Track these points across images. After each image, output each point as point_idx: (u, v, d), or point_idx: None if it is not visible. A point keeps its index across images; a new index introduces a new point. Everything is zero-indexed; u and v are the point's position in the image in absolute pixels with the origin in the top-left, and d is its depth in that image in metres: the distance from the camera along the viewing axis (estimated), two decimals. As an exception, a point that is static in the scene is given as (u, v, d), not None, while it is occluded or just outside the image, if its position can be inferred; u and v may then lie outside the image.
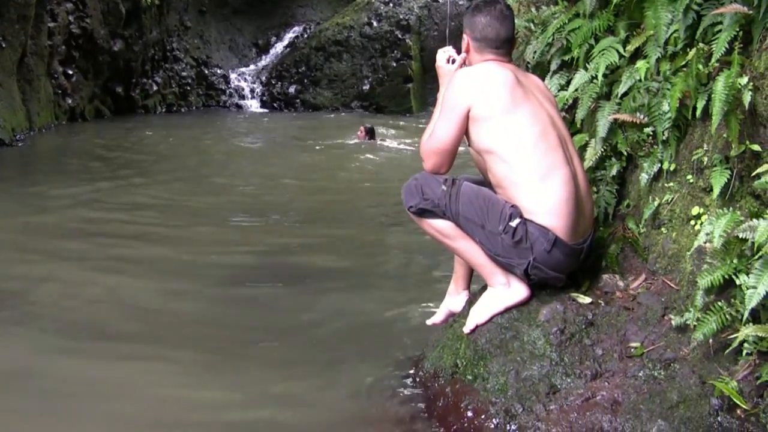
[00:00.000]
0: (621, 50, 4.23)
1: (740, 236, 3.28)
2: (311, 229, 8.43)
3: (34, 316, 5.42)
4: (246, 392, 4.41)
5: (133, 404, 4.22)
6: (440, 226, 3.99)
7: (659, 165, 3.97)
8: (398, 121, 18.95)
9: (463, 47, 4.15)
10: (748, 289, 3.18)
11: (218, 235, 7.81)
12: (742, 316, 3.22)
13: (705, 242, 3.47)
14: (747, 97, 3.36)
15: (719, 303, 3.35)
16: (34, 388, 4.35)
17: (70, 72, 16.73)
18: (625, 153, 4.22)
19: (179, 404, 4.25)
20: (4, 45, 13.59)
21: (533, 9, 5.12)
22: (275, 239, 7.83)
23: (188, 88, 21.02)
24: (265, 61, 23.24)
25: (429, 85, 20.75)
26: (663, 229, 3.91)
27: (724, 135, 3.53)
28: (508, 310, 3.96)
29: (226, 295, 6.03)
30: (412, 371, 4.34)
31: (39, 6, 14.57)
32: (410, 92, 20.97)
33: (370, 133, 15.22)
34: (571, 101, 4.63)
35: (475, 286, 4.44)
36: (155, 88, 19.87)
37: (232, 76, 22.26)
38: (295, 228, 8.50)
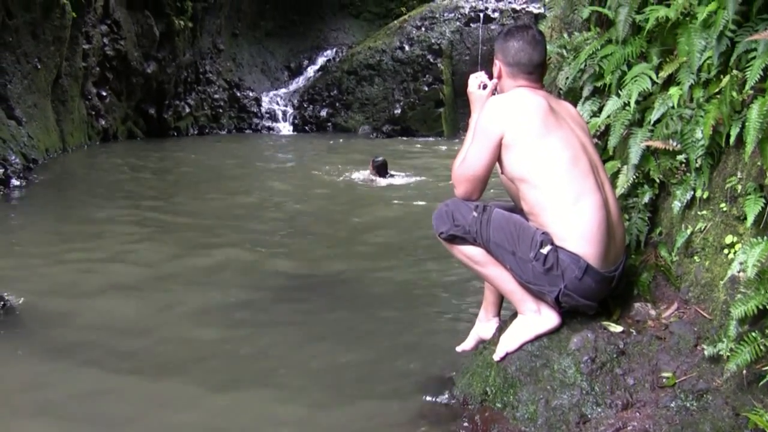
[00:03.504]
0: (654, 77, 4.21)
1: (775, 266, 3.25)
2: (335, 253, 8.41)
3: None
4: (270, 413, 4.42)
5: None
6: (471, 253, 3.99)
7: (692, 192, 3.95)
8: (430, 146, 18.94)
9: (495, 72, 4.15)
10: (783, 320, 3.15)
11: (235, 263, 7.73)
12: (777, 347, 3.19)
13: (738, 271, 3.44)
14: (782, 125, 3.34)
15: (753, 333, 3.31)
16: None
17: (104, 93, 16.94)
18: (658, 180, 4.19)
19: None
20: (39, 66, 13.78)
21: (565, 35, 5.12)
22: (299, 261, 7.84)
23: (220, 110, 21.17)
24: (297, 84, 23.38)
25: (460, 109, 20.73)
26: (696, 257, 3.88)
27: (758, 163, 3.50)
28: (538, 337, 3.94)
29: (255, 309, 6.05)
30: (440, 398, 4.32)
31: (74, 28, 14.77)
32: (442, 116, 21.00)
33: (380, 169, 13.17)
34: (603, 128, 4.61)
35: (506, 312, 4.41)
36: (187, 110, 20.04)
37: (264, 98, 22.39)
38: (315, 251, 8.47)
